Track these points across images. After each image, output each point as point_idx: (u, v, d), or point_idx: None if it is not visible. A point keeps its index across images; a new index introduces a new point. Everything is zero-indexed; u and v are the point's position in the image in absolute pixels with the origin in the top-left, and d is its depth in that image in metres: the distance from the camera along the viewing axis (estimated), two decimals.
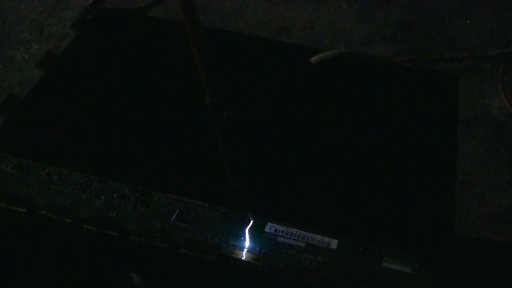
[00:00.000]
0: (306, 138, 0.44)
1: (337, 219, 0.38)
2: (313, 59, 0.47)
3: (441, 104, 0.47)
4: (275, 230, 0.37)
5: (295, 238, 0.36)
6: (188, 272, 0.36)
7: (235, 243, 0.36)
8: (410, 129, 0.45)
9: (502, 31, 0.79)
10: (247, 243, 0.36)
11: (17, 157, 0.40)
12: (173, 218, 0.37)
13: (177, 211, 0.37)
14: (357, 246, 0.36)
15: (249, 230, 0.37)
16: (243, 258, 0.35)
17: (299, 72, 0.49)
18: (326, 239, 0.36)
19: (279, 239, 0.36)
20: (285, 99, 0.46)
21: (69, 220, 0.36)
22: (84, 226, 0.36)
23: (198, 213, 0.37)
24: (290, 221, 0.37)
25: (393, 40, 0.77)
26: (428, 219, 0.39)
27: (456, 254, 0.39)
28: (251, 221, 0.37)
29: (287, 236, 0.36)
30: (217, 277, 0.36)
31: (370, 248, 0.36)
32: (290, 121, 0.45)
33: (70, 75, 0.48)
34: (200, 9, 0.82)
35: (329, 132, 0.44)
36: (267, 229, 0.37)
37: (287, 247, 0.36)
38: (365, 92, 0.47)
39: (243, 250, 0.36)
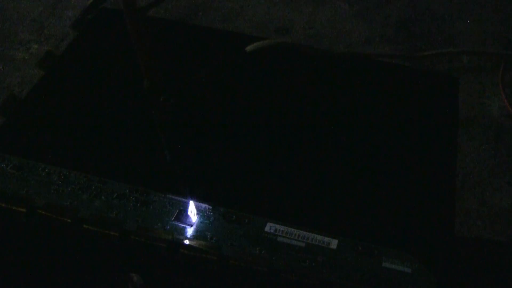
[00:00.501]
0: (308, 138, 0.44)
1: (337, 219, 0.38)
2: (249, 48, 0.46)
3: (441, 104, 0.47)
4: (275, 230, 0.37)
5: (295, 238, 0.36)
6: (188, 272, 0.36)
7: (235, 243, 0.36)
8: (410, 129, 0.45)
9: (502, 31, 0.79)
10: (247, 243, 0.36)
11: (17, 157, 0.40)
12: (173, 218, 0.37)
13: (177, 211, 0.37)
14: (357, 246, 0.36)
15: (249, 230, 0.37)
16: (243, 258, 0.35)
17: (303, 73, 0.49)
18: (326, 239, 0.36)
19: (279, 239, 0.36)
20: (286, 100, 0.46)
21: (69, 220, 0.36)
22: (84, 226, 0.36)
23: (198, 213, 0.37)
24: (290, 221, 0.37)
25: (393, 40, 0.77)
26: (428, 219, 0.38)
27: (456, 254, 0.39)
28: (251, 221, 0.37)
29: (287, 236, 0.36)
30: (217, 277, 0.36)
31: (370, 248, 0.36)
32: (290, 121, 0.45)
33: (70, 75, 0.47)
34: (200, 9, 0.82)
35: (330, 132, 0.44)
36: (267, 229, 0.37)
37: (287, 247, 0.36)
38: (366, 92, 0.47)
39: (243, 250, 0.36)
